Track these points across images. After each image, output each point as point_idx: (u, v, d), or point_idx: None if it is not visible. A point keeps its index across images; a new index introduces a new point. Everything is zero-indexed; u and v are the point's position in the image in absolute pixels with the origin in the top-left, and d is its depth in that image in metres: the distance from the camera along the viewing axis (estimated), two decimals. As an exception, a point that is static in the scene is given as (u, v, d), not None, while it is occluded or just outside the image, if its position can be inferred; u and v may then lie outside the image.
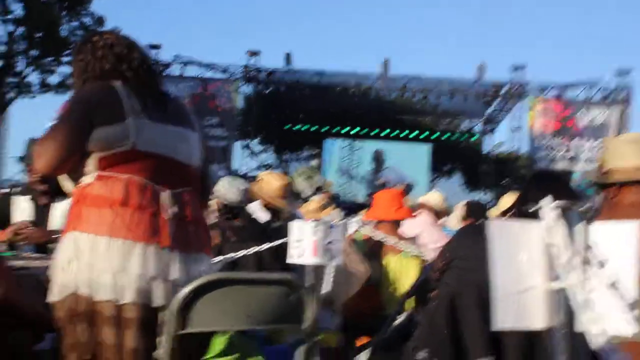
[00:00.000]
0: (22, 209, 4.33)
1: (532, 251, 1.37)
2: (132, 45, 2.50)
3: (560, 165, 21.46)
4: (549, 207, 1.32)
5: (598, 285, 1.31)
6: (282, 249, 3.88)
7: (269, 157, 28.95)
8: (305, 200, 10.38)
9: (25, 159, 4.22)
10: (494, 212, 4.66)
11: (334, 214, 7.83)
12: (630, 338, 1.43)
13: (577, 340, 1.29)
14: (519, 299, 1.33)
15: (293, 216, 5.02)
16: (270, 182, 4.96)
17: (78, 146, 2.27)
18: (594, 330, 1.18)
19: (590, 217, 3.07)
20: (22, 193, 4.39)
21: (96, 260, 2.21)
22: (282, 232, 4.19)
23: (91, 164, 2.32)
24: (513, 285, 1.34)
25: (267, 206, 5.00)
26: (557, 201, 1.35)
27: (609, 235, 1.33)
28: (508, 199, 4.63)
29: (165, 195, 2.34)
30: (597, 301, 1.26)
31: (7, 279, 2.58)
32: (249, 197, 5.09)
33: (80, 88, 2.46)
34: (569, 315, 1.30)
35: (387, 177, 24.61)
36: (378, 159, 29.83)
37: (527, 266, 1.37)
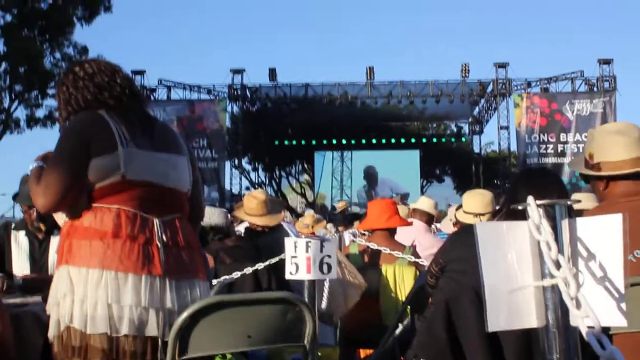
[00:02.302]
0: (20, 243, 4.35)
1: (521, 250, 1.38)
2: (114, 72, 2.48)
3: (550, 161, 21.52)
4: (533, 204, 1.33)
5: (587, 279, 1.31)
6: (278, 264, 3.88)
7: (260, 174, 28.97)
8: (299, 215, 10.40)
9: (19, 196, 4.20)
10: (460, 214, 4.61)
11: (328, 228, 7.83)
12: (622, 330, 1.44)
13: (571, 336, 1.30)
14: (511, 298, 1.34)
15: (281, 228, 5.01)
16: (249, 201, 4.99)
17: (78, 181, 2.26)
18: (587, 324, 1.18)
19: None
20: (18, 228, 4.40)
21: (89, 293, 2.20)
22: (272, 245, 4.19)
23: (84, 196, 2.30)
24: (504, 286, 1.34)
25: (253, 228, 5.01)
26: (542, 198, 1.36)
27: (595, 228, 1.34)
28: (470, 200, 4.62)
29: (155, 224, 2.34)
30: (588, 295, 1.26)
31: (3, 317, 2.56)
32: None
33: (66, 120, 2.45)
34: (561, 311, 1.31)
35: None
36: (370, 174, 29.85)
37: (517, 265, 1.37)
